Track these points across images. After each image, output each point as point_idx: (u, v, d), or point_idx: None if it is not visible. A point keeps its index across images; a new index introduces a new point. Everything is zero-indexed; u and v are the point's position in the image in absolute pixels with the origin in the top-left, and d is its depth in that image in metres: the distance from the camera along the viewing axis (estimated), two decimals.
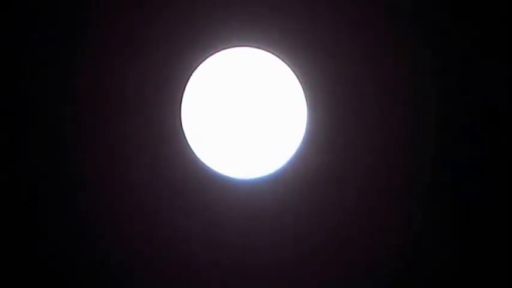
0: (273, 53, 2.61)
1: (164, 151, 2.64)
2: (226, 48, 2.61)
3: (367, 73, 2.61)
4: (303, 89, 2.61)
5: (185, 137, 2.63)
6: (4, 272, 2.66)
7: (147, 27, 2.60)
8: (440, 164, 2.64)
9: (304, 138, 2.63)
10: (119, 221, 2.66)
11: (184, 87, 2.62)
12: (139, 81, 2.61)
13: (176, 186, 2.65)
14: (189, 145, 2.64)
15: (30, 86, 2.61)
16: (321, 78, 2.61)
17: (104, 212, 2.66)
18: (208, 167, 2.65)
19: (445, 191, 2.65)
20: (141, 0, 2.59)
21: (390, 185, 2.65)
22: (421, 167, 2.65)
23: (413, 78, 2.61)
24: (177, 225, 2.67)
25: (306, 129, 2.63)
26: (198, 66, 2.61)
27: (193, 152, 2.64)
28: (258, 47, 2.61)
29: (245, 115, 2.62)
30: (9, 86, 2.61)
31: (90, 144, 2.63)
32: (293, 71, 2.61)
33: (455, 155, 2.64)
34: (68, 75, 2.60)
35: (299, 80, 2.61)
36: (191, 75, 2.61)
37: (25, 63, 2.60)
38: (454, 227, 2.67)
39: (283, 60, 2.61)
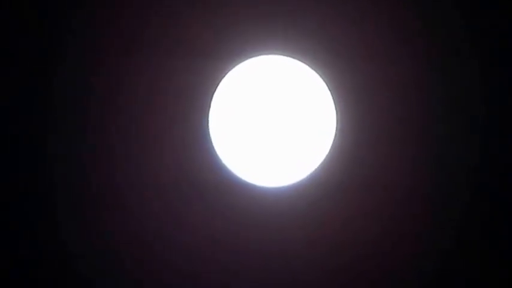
0: (302, 61, 2.61)
1: (192, 158, 2.64)
2: (254, 57, 2.62)
3: (398, 80, 2.61)
4: (332, 96, 2.62)
5: (213, 145, 2.63)
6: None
7: (176, 36, 2.61)
8: (474, 169, 2.64)
9: (332, 146, 2.63)
10: (142, 225, 2.65)
11: (213, 95, 2.62)
12: (168, 89, 2.62)
13: (203, 194, 2.65)
14: (216, 153, 2.63)
15: (59, 84, 2.63)
16: (350, 86, 2.62)
17: (127, 216, 2.65)
18: (236, 175, 2.64)
19: (480, 196, 2.64)
20: (169, 11, 2.61)
21: (420, 192, 2.64)
22: (453, 174, 2.64)
23: (447, 86, 2.62)
24: (203, 233, 2.66)
25: (335, 137, 2.62)
26: (226, 74, 2.62)
27: (220, 160, 2.64)
28: (287, 55, 2.62)
29: (273, 123, 2.61)
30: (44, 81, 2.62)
31: (117, 149, 2.63)
32: (322, 78, 2.61)
33: (488, 161, 2.64)
34: (94, 81, 2.62)
35: (328, 87, 2.61)
36: (219, 83, 2.62)
37: (53, 63, 2.62)
38: (488, 233, 2.66)
39: (312, 68, 2.61)
